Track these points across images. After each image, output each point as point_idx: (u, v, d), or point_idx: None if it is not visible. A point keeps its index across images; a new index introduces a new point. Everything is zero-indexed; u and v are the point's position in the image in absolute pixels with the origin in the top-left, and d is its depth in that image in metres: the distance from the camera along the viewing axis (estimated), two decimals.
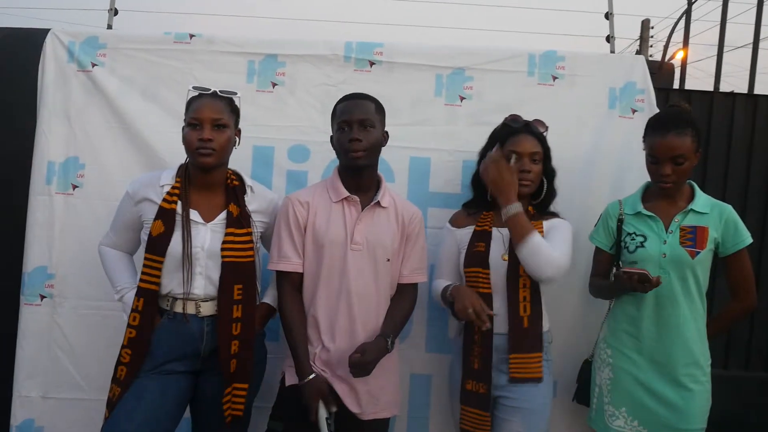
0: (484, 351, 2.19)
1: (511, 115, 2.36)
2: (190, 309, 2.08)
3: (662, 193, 2.24)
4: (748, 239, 2.18)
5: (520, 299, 2.18)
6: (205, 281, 2.08)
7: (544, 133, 2.33)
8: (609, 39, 3.00)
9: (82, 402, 2.66)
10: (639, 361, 2.21)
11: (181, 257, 2.04)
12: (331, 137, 2.18)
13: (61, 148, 2.68)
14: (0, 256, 2.84)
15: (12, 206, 2.76)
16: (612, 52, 2.97)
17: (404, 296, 2.23)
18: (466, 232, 2.33)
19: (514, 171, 2.20)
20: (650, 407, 2.17)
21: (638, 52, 9.72)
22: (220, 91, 2.12)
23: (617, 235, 2.29)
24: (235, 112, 2.17)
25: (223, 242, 2.07)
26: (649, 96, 2.76)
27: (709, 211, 2.20)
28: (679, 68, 5.22)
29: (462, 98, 2.76)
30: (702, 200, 2.22)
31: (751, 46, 4.30)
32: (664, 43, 12.12)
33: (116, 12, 2.96)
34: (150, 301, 2.06)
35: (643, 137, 2.25)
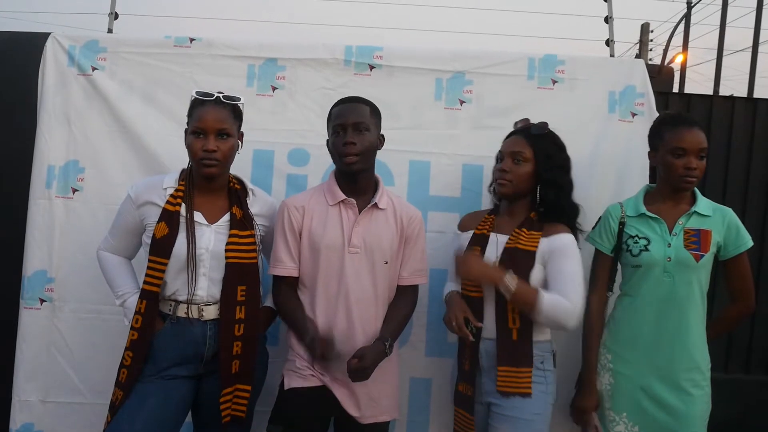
0: (473, 354, 2.17)
1: (521, 120, 2.33)
2: (193, 313, 2.08)
3: (667, 195, 2.22)
4: (749, 243, 2.18)
5: (509, 309, 2.11)
6: (208, 282, 2.07)
7: (546, 134, 2.22)
8: (608, 43, 3.01)
9: (81, 406, 2.66)
10: (640, 365, 2.20)
11: (186, 259, 2.04)
12: (327, 141, 2.19)
13: (62, 152, 2.68)
14: (0, 259, 2.84)
15: (12, 210, 2.76)
16: (612, 55, 2.98)
17: (404, 298, 2.22)
18: (468, 236, 2.32)
19: (476, 255, 2.15)
20: (651, 412, 2.16)
21: (638, 56, 9.75)
22: (223, 96, 2.10)
23: (618, 237, 2.28)
24: (238, 117, 2.16)
25: (227, 243, 2.08)
26: (648, 99, 2.76)
27: (712, 214, 2.19)
28: (679, 72, 5.22)
29: (462, 102, 2.77)
30: (704, 203, 2.22)
31: (750, 49, 4.30)
32: (663, 47, 12.12)
33: (116, 16, 2.98)
34: (153, 304, 2.06)
35: (656, 135, 2.22)
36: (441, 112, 2.77)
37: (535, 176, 2.19)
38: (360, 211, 2.14)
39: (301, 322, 2.09)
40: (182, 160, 2.17)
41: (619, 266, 2.33)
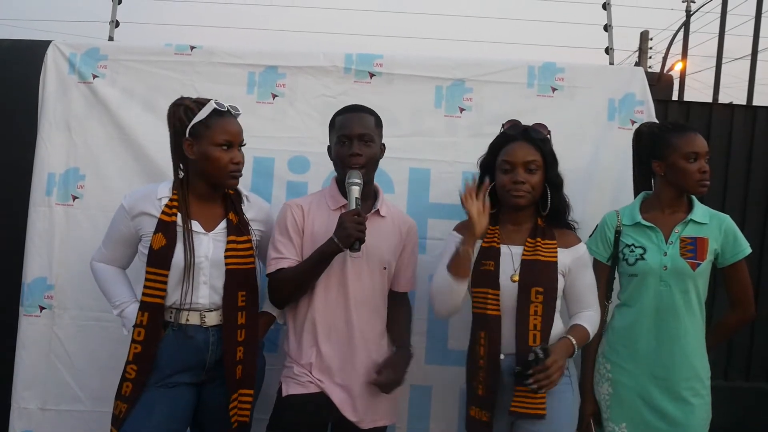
0: (489, 378, 2.05)
1: (509, 121, 2.24)
2: (195, 320, 2.07)
3: (665, 203, 2.23)
4: (747, 249, 2.18)
5: (530, 327, 2.02)
6: (209, 290, 2.07)
7: (548, 136, 2.19)
8: (608, 51, 3.02)
9: (80, 414, 2.65)
10: (639, 375, 2.19)
11: (186, 268, 2.04)
12: (329, 147, 2.19)
13: (62, 159, 2.69)
14: (0, 266, 2.84)
15: (12, 217, 2.76)
16: (611, 63, 2.99)
17: (403, 305, 2.29)
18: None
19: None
20: (651, 422, 2.15)
21: (637, 64, 9.75)
22: (234, 109, 2.10)
23: (614, 246, 2.27)
24: None
25: (226, 250, 2.08)
26: (648, 107, 2.77)
27: (708, 221, 2.19)
28: (678, 80, 5.25)
29: (462, 109, 2.77)
30: (701, 210, 2.22)
31: (749, 57, 4.32)
32: (662, 55, 12.19)
33: (117, 24, 2.99)
34: (155, 315, 2.04)
35: (662, 144, 2.21)
36: (441, 119, 2.77)
37: (544, 182, 2.14)
38: None
39: (318, 248, 2.04)
40: None
41: (617, 275, 2.32)
